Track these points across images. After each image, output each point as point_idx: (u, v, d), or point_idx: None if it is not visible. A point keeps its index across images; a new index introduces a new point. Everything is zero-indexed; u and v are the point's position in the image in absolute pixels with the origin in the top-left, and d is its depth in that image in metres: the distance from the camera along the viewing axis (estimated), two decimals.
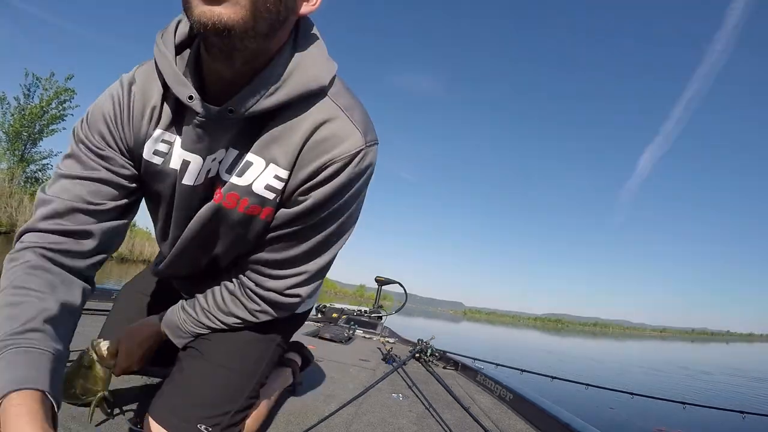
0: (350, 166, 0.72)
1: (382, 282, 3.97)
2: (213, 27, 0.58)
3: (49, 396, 0.54)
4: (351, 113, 0.73)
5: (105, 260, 0.81)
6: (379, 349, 2.87)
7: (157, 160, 0.77)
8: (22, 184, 14.82)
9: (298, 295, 0.88)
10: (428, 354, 2.58)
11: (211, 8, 0.57)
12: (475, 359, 2.85)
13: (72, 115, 15.64)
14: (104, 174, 0.76)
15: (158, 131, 0.75)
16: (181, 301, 0.96)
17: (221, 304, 0.89)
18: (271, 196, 0.75)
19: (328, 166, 0.72)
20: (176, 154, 0.75)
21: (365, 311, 3.99)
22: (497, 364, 2.91)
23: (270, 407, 1.09)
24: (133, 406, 1.06)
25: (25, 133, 14.79)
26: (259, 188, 0.75)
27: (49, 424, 0.51)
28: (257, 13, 0.60)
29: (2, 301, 0.62)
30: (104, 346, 0.96)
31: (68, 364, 0.91)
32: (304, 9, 0.69)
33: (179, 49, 0.72)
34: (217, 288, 0.91)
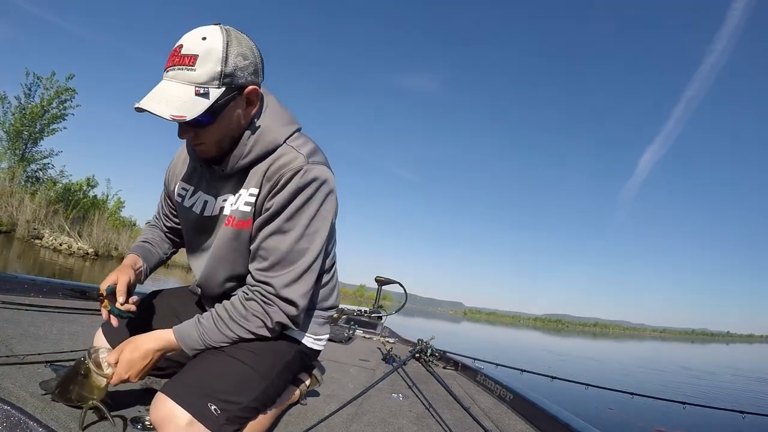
0: (297, 176, 0.99)
1: (382, 282, 3.97)
2: (203, 158, 1.05)
3: (141, 259, 1.17)
4: (300, 148, 1.03)
5: (178, 245, 1.35)
6: (379, 349, 2.87)
7: (179, 199, 1.18)
8: (23, 183, 14.80)
9: (293, 300, 1.01)
10: (428, 354, 2.58)
11: (198, 149, 1.02)
12: (475, 359, 2.85)
13: (73, 114, 15.60)
14: (166, 215, 1.30)
15: (179, 183, 1.19)
16: (197, 315, 1.04)
17: (236, 315, 1.01)
18: (248, 209, 1.03)
19: (281, 179, 1.00)
20: (188, 197, 1.15)
21: (365, 311, 3.98)
22: (497, 364, 2.91)
23: (272, 420, 1.11)
24: (129, 409, 1.06)
25: (25, 133, 14.76)
26: (241, 206, 1.04)
27: (135, 268, 1.12)
28: (220, 144, 1.00)
29: (141, 236, 1.30)
30: (102, 354, 0.95)
31: (66, 366, 0.91)
32: (249, 113, 1.01)
33: None
34: (227, 300, 1.05)
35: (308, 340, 1.19)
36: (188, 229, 1.18)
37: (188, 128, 0.95)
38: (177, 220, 1.26)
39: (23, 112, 14.59)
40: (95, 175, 17.26)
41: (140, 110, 0.90)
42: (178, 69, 0.91)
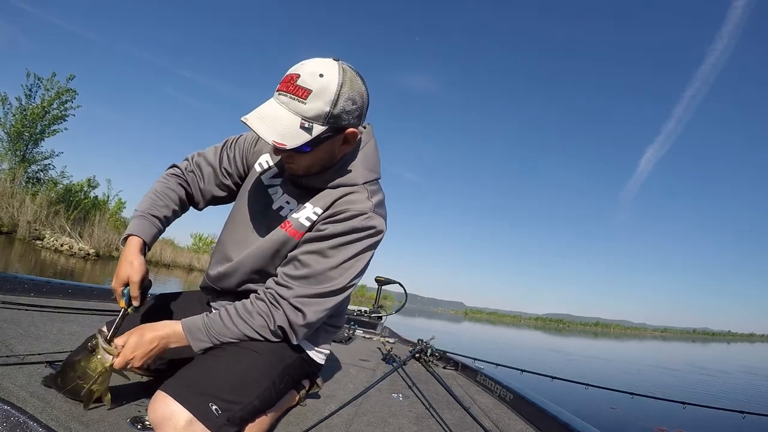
0: (359, 218, 1.07)
1: (382, 282, 3.96)
2: (290, 174, 1.13)
3: (142, 238, 1.12)
4: (371, 196, 1.11)
5: (198, 204, 1.30)
6: (379, 349, 2.87)
7: (259, 168, 1.23)
8: (24, 184, 14.81)
9: (303, 312, 1.04)
10: (428, 354, 2.58)
11: (288, 165, 1.10)
12: (475, 359, 2.85)
13: (74, 115, 15.62)
14: (218, 166, 1.26)
15: (267, 155, 1.24)
16: (205, 312, 1.08)
17: (242, 311, 1.04)
18: (307, 224, 1.10)
19: (344, 212, 1.07)
20: (269, 174, 1.21)
21: (365, 311, 3.98)
22: (497, 364, 2.91)
23: (271, 422, 1.11)
24: (129, 410, 1.07)
25: (26, 134, 14.78)
26: (302, 219, 1.11)
27: (141, 251, 1.11)
28: (310, 168, 1.09)
29: (151, 190, 1.23)
30: (108, 334, 0.98)
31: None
32: (343, 150, 1.10)
33: None
34: (239, 301, 1.08)
35: (312, 351, 1.21)
36: (247, 200, 1.20)
37: (284, 151, 1.02)
38: (224, 184, 1.27)
39: (24, 113, 14.61)
40: (96, 175, 17.28)
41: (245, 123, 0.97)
42: (290, 97, 0.96)
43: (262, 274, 1.15)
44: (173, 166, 1.30)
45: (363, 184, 1.12)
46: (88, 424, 0.92)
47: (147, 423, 0.98)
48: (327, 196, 1.11)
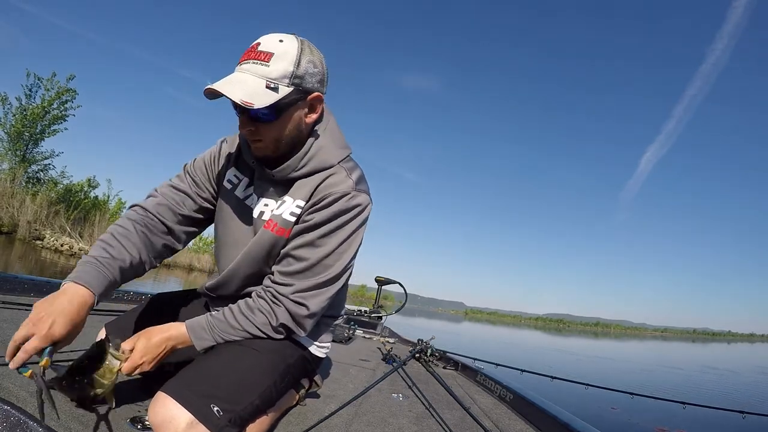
0: (342, 200, 1.05)
1: (382, 282, 3.96)
2: (256, 156, 1.09)
3: (90, 289, 0.94)
4: (350, 174, 1.10)
5: (174, 249, 1.18)
6: (379, 349, 2.87)
7: (228, 185, 1.17)
8: (24, 184, 14.82)
9: (305, 305, 1.05)
10: (428, 354, 2.58)
11: (255, 145, 1.05)
12: (475, 359, 2.85)
13: (74, 115, 15.65)
14: (189, 189, 1.18)
15: (233, 169, 1.18)
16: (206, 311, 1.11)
17: (244, 308, 1.05)
18: (292, 219, 1.08)
19: (327, 197, 1.05)
20: (241, 187, 1.17)
21: (365, 311, 3.98)
22: (497, 364, 2.91)
23: (272, 422, 1.11)
24: (129, 410, 1.07)
25: (26, 134, 14.79)
26: (285, 214, 1.08)
27: (81, 303, 0.92)
28: (277, 145, 1.05)
29: (103, 235, 1.06)
30: (118, 341, 0.97)
31: (66, 366, 0.91)
32: (310, 119, 1.07)
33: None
34: (241, 300, 1.08)
35: (312, 346, 1.20)
36: (227, 220, 1.18)
37: (250, 122, 1.00)
38: (199, 205, 1.18)
39: (24, 113, 14.61)
40: (96, 175, 17.28)
41: (211, 94, 0.94)
42: (253, 63, 0.96)
43: (258, 276, 1.14)
44: (134, 206, 1.15)
45: (338, 164, 1.11)
46: (88, 424, 0.92)
47: (147, 423, 0.98)
48: (305, 185, 1.08)
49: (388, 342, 3.28)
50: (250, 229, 1.14)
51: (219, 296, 1.20)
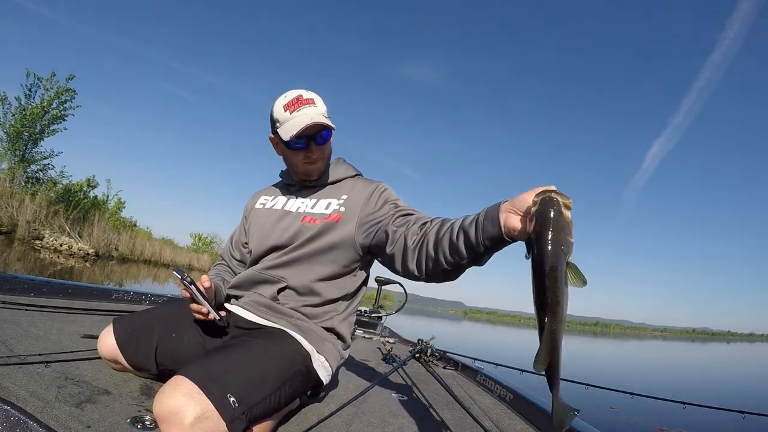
0: (386, 188, 1.40)
1: (382, 282, 3.96)
2: (311, 175, 1.43)
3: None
4: (369, 178, 1.49)
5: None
6: (379, 349, 2.87)
7: (260, 206, 1.51)
8: (23, 184, 14.80)
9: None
10: (428, 354, 2.58)
11: (313, 165, 1.40)
12: (475, 359, 2.85)
13: (73, 115, 15.62)
14: (240, 231, 1.58)
15: (262, 197, 1.56)
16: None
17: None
18: (342, 209, 1.34)
19: (378, 188, 1.38)
20: (275, 199, 1.50)
21: (365, 311, 3.98)
22: (497, 364, 2.91)
23: (274, 425, 1.12)
24: (129, 405, 1.07)
25: (26, 134, 14.77)
26: (330, 209, 1.35)
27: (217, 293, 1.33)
28: (324, 162, 1.44)
29: (213, 271, 1.56)
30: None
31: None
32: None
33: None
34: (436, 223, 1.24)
35: (318, 365, 1.25)
36: (265, 223, 1.43)
37: (317, 147, 1.36)
38: (247, 248, 1.52)
39: (23, 112, 14.60)
40: (95, 175, 17.26)
41: (300, 134, 1.29)
42: (308, 107, 1.33)
43: (289, 264, 1.33)
44: (220, 262, 1.64)
45: (355, 176, 1.48)
46: (88, 424, 0.92)
47: (147, 423, 0.98)
48: (338, 188, 1.42)
49: (388, 342, 3.28)
50: (287, 225, 1.37)
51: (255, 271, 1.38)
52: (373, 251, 1.34)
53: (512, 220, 0.90)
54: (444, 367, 2.63)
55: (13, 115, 14.57)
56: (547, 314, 0.77)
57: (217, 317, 1.23)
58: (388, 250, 1.23)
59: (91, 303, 2.21)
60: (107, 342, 1.23)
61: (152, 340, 1.22)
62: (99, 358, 1.29)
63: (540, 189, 0.85)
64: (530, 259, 0.82)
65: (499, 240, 0.94)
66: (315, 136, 1.33)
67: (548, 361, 0.77)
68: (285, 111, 1.33)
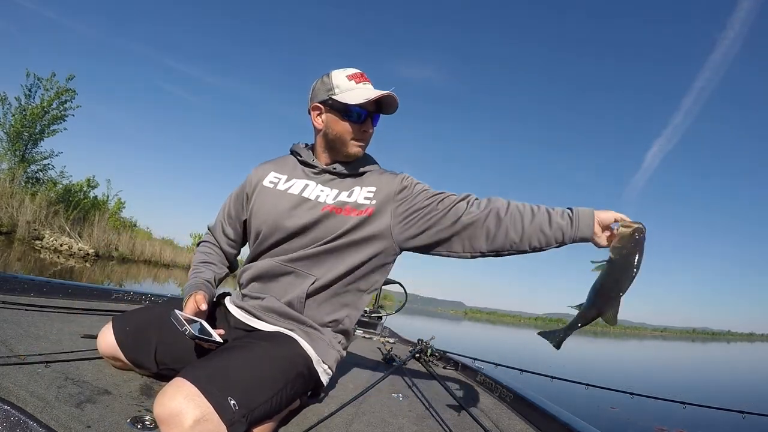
0: (412, 177, 1.40)
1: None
2: (355, 155, 1.40)
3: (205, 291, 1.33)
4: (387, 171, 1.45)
5: (235, 256, 1.57)
6: (379, 349, 2.87)
7: (270, 185, 1.40)
8: (23, 184, 14.80)
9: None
10: (428, 354, 2.58)
11: (363, 144, 1.39)
12: (475, 359, 2.85)
13: (73, 115, 15.61)
14: (232, 213, 1.49)
15: (270, 174, 1.43)
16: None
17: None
18: (368, 202, 1.31)
19: (406, 180, 1.37)
20: (289, 181, 1.40)
21: (365, 311, 3.98)
22: (497, 364, 2.91)
23: (274, 426, 1.12)
24: (129, 405, 1.07)
25: (26, 134, 14.77)
26: (360, 199, 1.32)
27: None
28: (363, 152, 1.42)
29: (197, 257, 1.50)
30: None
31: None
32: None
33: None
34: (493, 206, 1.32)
35: (320, 370, 1.26)
36: (279, 207, 1.35)
37: (372, 127, 1.37)
38: (241, 229, 1.49)
39: (23, 113, 14.60)
40: (95, 175, 17.26)
41: (374, 101, 1.29)
42: (371, 85, 1.33)
43: (309, 258, 1.29)
44: (202, 242, 1.55)
45: (376, 168, 1.44)
46: (88, 424, 0.92)
47: (147, 423, 0.98)
48: (363, 180, 1.37)
49: (388, 342, 3.28)
50: (307, 212, 1.32)
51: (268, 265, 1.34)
52: (422, 241, 1.32)
53: (599, 232, 1.18)
54: (444, 367, 2.63)
55: (13, 115, 14.57)
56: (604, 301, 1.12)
57: (221, 342, 1.16)
58: (447, 233, 1.28)
59: (91, 303, 2.21)
60: (107, 339, 1.23)
61: (152, 338, 1.21)
62: (99, 358, 1.29)
63: (617, 214, 1.16)
64: (611, 264, 1.11)
65: (584, 241, 1.19)
66: (374, 115, 1.34)
67: (590, 318, 1.14)
68: (350, 81, 1.30)
